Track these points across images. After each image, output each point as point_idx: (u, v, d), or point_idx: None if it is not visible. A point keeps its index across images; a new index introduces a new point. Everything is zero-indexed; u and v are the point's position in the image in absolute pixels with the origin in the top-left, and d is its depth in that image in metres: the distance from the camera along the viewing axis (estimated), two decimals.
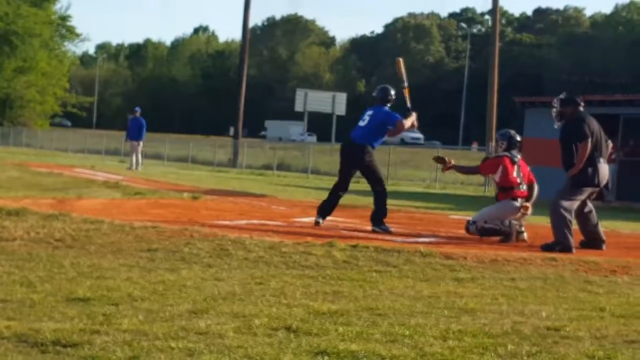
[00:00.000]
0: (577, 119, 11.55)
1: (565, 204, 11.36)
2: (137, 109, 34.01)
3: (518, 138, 12.61)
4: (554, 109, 11.83)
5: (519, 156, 12.43)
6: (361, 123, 13.03)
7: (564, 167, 11.61)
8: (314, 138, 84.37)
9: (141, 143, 33.47)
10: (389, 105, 13.07)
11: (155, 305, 6.34)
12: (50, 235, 9.81)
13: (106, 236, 9.95)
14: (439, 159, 13.36)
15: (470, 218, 12.48)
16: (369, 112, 13.07)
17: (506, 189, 12.25)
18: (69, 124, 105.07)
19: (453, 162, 12.87)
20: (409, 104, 13.18)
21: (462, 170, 13.33)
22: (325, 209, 12.95)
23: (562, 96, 11.99)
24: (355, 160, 12.93)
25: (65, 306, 6.17)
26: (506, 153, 12.36)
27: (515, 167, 12.26)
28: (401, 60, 13.74)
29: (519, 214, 12.10)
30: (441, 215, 17.22)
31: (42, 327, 5.41)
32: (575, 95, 12.06)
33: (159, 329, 5.52)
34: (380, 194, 12.78)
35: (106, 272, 7.80)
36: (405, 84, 13.26)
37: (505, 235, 11.91)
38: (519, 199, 12.14)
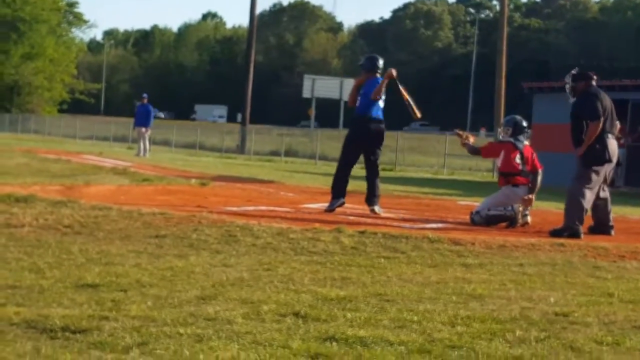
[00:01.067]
0: (590, 95, 11.44)
1: (586, 191, 11.27)
2: (145, 95, 34.05)
3: (524, 124, 12.56)
4: (567, 85, 11.78)
5: (525, 142, 12.39)
6: (364, 100, 12.85)
7: (573, 142, 11.52)
8: (224, 119, 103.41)
9: (149, 130, 33.49)
10: (379, 74, 12.97)
11: (163, 291, 6.35)
12: (59, 221, 9.83)
13: (114, 222, 9.96)
14: (458, 134, 13.27)
15: (474, 208, 12.47)
16: (365, 89, 12.89)
17: (507, 175, 12.26)
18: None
19: (471, 140, 12.86)
20: (406, 95, 13.08)
21: (468, 148, 13.15)
22: (340, 189, 12.86)
23: (574, 71, 11.92)
24: (378, 138, 12.83)
25: (74, 292, 6.18)
26: (510, 139, 12.34)
27: (518, 153, 12.22)
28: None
29: (522, 206, 12.06)
30: (449, 201, 17.20)
31: (51, 313, 5.43)
32: (588, 70, 11.97)
33: (168, 315, 5.53)
34: (378, 174, 12.86)
35: (114, 258, 7.81)
36: (402, 87, 13.11)
37: (511, 220, 11.91)
38: (520, 186, 12.12)
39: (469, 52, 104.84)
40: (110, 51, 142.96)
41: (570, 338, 5.44)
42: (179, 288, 6.50)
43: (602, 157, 11.37)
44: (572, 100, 11.74)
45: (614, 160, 11.61)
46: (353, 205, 13.61)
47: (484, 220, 12.00)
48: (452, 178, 30.12)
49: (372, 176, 12.84)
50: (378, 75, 12.95)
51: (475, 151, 13.03)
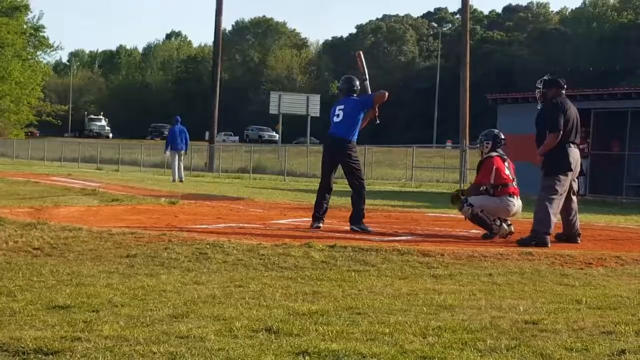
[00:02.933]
0: (555, 106, 11.58)
1: (553, 202, 11.38)
2: (178, 117, 32.11)
3: (502, 136, 12.51)
4: (537, 90, 11.91)
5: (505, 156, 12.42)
6: (336, 119, 12.95)
7: (537, 146, 11.70)
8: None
9: (184, 153, 31.94)
10: (355, 95, 13.08)
11: (135, 310, 6.36)
12: (29, 244, 9.80)
13: (85, 243, 9.94)
14: (455, 198, 12.54)
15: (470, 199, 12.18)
16: (340, 107, 13.00)
17: (501, 187, 12.07)
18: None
19: (463, 190, 12.86)
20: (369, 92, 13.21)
21: (473, 191, 12.47)
22: (318, 214, 12.89)
23: (545, 77, 12.07)
24: (340, 156, 12.85)
25: (46, 314, 6.18)
26: (495, 152, 12.25)
27: (506, 164, 12.25)
28: (361, 53, 13.75)
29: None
30: (418, 213, 17.29)
31: (23, 335, 5.42)
32: (558, 78, 12.11)
33: (140, 334, 5.54)
34: (359, 190, 12.81)
35: (86, 279, 7.80)
36: (366, 77, 13.25)
37: (490, 233, 11.92)
38: (515, 196, 12.06)
39: (433, 65, 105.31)
40: (77, 73, 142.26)
41: (540, 345, 5.50)
42: (151, 307, 6.50)
43: (564, 166, 11.51)
44: (539, 105, 11.87)
45: (577, 169, 11.75)
46: (338, 221, 13.66)
47: (471, 215, 11.94)
48: (419, 190, 30.23)
49: (353, 194, 12.94)
50: (354, 95, 13.07)
51: (477, 188, 12.39)
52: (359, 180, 12.87)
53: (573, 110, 11.71)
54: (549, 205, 11.37)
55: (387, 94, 13.05)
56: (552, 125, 11.45)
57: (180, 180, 30.61)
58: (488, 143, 12.32)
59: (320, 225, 12.75)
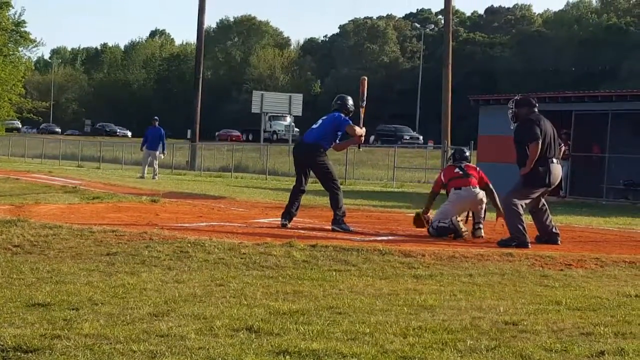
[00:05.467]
0: (529, 121, 11.70)
1: (517, 200, 11.52)
2: (156, 118, 33.23)
3: (465, 151, 13.32)
4: (510, 111, 11.99)
5: (465, 164, 12.96)
6: (314, 126, 13.30)
7: (519, 166, 11.78)
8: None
9: (163, 153, 32.74)
10: (344, 114, 13.21)
11: (116, 308, 6.35)
12: (9, 241, 9.77)
13: (65, 241, 9.91)
14: (419, 223, 12.94)
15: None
16: (324, 117, 13.33)
17: (449, 182, 12.61)
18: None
19: (422, 211, 12.96)
20: (362, 123, 13.38)
21: (429, 204, 12.98)
22: (289, 212, 13.01)
23: (517, 97, 12.17)
24: (307, 160, 13.09)
25: (26, 312, 6.16)
26: (450, 164, 13.14)
27: (457, 167, 12.78)
28: (365, 79, 13.96)
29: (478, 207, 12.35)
30: (399, 214, 17.31)
31: (3, 333, 5.40)
32: (529, 95, 12.21)
33: (120, 333, 5.53)
34: (335, 191, 12.90)
35: (66, 276, 7.78)
36: (364, 104, 13.49)
37: (455, 232, 12.11)
38: (463, 188, 12.43)
39: (416, 66, 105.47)
40: (58, 70, 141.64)
41: (520, 346, 5.52)
42: (132, 305, 6.49)
43: (543, 180, 11.62)
44: (512, 126, 11.96)
45: (554, 185, 11.86)
46: (303, 219, 13.68)
47: (436, 232, 12.19)
48: (401, 190, 30.27)
49: (329, 197, 13.07)
50: (343, 115, 13.15)
51: (431, 200, 13.04)
52: (331, 182, 13.01)
53: (549, 125, 11.80)
54: (514, 206, 11.49)
55: (361, 133, 13.23)
56: (530, 136, 11.54)
57: (153, 178, 31.22)
58: (450, 158, 13.43)
59: (287, 224, 12.82)
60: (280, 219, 13.03)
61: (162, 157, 33.00)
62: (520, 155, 11.73)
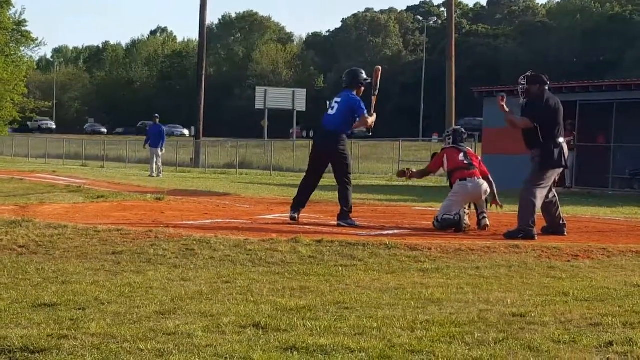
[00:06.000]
0: (540, 99, 11.62)
1: (538, 192, 11.45)
2: (157, 115, 33.83)
3: (463, 131, 13.19)
4: (521, 86, 11.91)
5: (466, 148, 12.78)
6: (330, 112, 12.92)
7: (526, 145, 11.72)
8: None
9: (163, 150, 33.41)
10: (356, 90, 12.90)
11: (122, 307, 6.34)
12: (14, 241, 9.75)
13: (70, 241, 9.90)
14: (401, 173, 13.96)
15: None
16: (337, 99, 12.96)
17: (454, 171, 12.46)
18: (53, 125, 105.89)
19: (413, 169, 13.33)
20: (372, 110, 13.12)
21: (418, 175, 13.96)
22: (299, 202, 12.89)
23: (528, 73, 12.06)
24: (330, 149, 12.77)
25: (32, 312, 6.15)
26: (449, 145, 12.79)
27: (462, 153, 12.59)
28: (379, 69, 13.61)
29: (479, 208, 12.30)
30: (404, 207, 17.30)
31: (10, 334, 5.39)
32: (541, 74, 12.13)
33: (127, 331, 5.52)
34: (346, 185, 12.74)
35: (72, 276, 7.77)
36: (376, 92, 13.24)
37: (456, 225, 12.02)
38: (469, 179, 12.29)
39: (420, 59, 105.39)
40: (61, 69, 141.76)
41: (528, 338, 5.51)
42: (138, 304, 6.48)
43: (559, 162, 11.59)
44: (522, 101, 11.87)
45: (567, 165, 11.88)
46: (309, 215, 13.65)
47: (440, 226, 12.11)
48: (406, 184, 30.24)
49: (339, 189, 12.87)
50: (354, 91, 12.90)
51: (423, 173, 13.82)
52: (346, 175, 12.81)
53: (558, 104, 11.74)
54: (533, 197, 11.42)
55: (372, 121, 13.04)
56: (533, 115, 11.50)
57: (158, 175, 31.76)
58: (449, 137, 12.99)
59: (296, 216, 12.76)
60: (290, 212, 12.90)
61: (161, 153, 33.53)
62: (528, 135, 11.66)
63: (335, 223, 12.56)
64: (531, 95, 11.74)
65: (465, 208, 12.29)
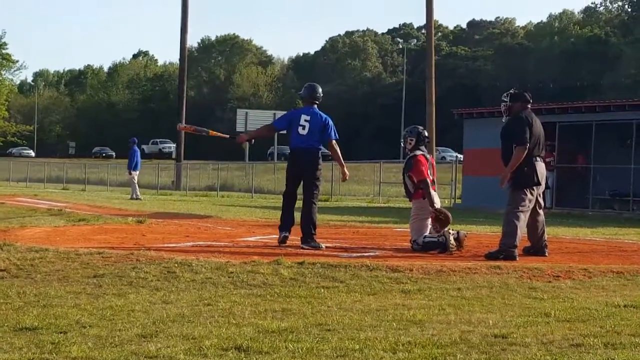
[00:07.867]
0: (521, 119, 11.62)
1: (521, 215, 11.45)
2: (135, 139, 33.95)
3: (426, 134, 12.80)
4: (503, 103, 11.94)
5: (431, 157, 12.62)
6: (301, 131, 12.60)
7: (504, 163, 11.69)
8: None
9: (136, 172, 33.50)
10: (317, 104, 12.77)
11: (104, 331, 6.32)
12: None
13: (51, 264, 9.86)
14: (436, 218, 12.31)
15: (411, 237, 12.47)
16: (306, 118, 12.65)
17: (419, 187, 12.29)
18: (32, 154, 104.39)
19: (431, 208, 12.21)
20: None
21: (430, 197, 12.27)
22: (287, 222, 12.75)
23: (512, 91, 12.11)
24: (310, 167, 12.56)
25: (13, 336, 6.12)
26: (419, 151, 12.48)
27: (428, 164, 12.44)
28: (181, 125, 13.92)
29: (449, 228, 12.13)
30: (386, 229, 17.32)
31: None
32: (524, 92, 12.15)
33: (109, 355, 5.51)
34: (312, 205, 12.57)
35: (53, 300, 7.74)
36: (208, 130, 13.79)
37: (442, 247, 11.96)
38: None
39: (399, 81, 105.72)
40: (42, 92, 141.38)
41: (510, 359, 5.52)
42: (120, 327, 6.46)
43: (531, 180, 11.57)
44: (504, 118, 11.91)
45: (543, 182, 11.82)
46: (290, 236, 13.62)
47: (421, 248, 12.06)
48: (387, 205, 30.30)
49: (306, 208, 12.61)
50: (315, 105, 12.77)
51: (428, 185, 12.40)
52: (316, 193, 12.62)
53: (538, 124, 11.78)
54: (515, 219, 11.43)
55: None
56: (519, 139, 11.49)
57: (135, 198, 31.95)
58: (412, 140, 12.58)
59: (288, 235, 12.66)
60: (280, 233, 12.69)
61: (129, 175, 33.81)
62: (507, 152, 11.64)
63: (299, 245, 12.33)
64: (513, 113, 11.79)
65: (449, 228, 12.17)
